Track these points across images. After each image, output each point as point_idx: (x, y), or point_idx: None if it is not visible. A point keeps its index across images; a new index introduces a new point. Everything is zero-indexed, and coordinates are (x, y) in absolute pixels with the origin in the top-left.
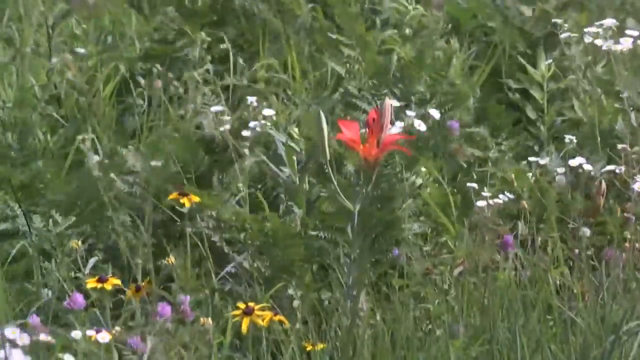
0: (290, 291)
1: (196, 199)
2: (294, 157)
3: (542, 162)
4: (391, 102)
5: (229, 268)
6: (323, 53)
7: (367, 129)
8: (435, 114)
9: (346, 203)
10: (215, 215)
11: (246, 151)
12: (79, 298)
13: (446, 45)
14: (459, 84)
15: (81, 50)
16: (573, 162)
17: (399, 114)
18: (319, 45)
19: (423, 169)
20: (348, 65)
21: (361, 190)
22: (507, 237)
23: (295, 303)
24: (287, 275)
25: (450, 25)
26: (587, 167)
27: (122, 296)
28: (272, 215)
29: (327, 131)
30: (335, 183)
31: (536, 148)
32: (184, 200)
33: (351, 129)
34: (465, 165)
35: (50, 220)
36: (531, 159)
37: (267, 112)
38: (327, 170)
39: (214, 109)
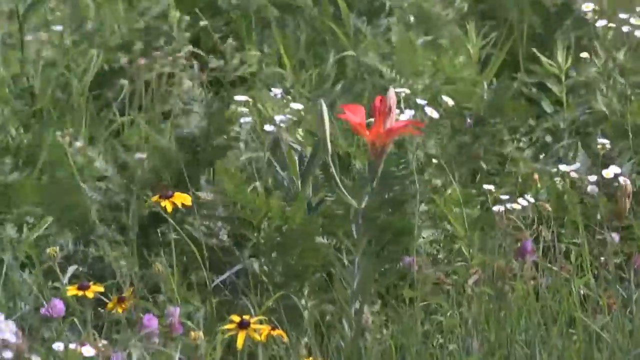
0: (299, 300)
1: (182, 200)
2: (295, 157)
3: (570, 170)
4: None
5: (233, 270)
6: (324, 43)
7: (373, 114)
8: (449, 100)
9: (350, 200)
10: (226, 205)
11: (241, 147)
12: (59, 304)
13: (458, 32)
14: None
15: (58, 27)
16: (607, 172)
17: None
18: (320, 33)
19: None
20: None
21: (367, 185)
22: (526, 243)
23: (300, 314)
24: (297, 282)
25: (464, 7)
26: (622, 178)
27: (101, 309)
28: (295, 207)
29: (329, 124)
30: (338, 180)
31: (555, 145)
32: (165, 203)
33: (357, 113)
34: (484, 166)
35: (25, 227)
36: (562, 167)
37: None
38: (329, 167)
39: (239, 97)
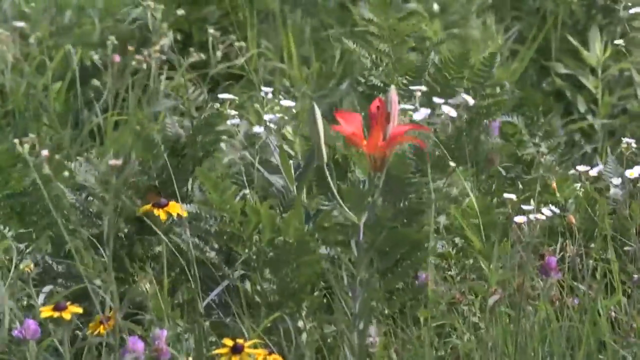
0: (297, 321)
1: (177, 210)
2: (290, 162)
3: (592, 172)
4: (396, 92)
5: (220, 288)
6: (329, 37)
7: (371, 121)
8: (469, 99)
9: (349, 215)
10: (213, 217)
11: (230, 152)
12: (32, 325)
13: (481, 24)
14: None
15: (19, 24)
16: (631, 173)
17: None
18: (325, 26)
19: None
20: (374, 57)
21: (367, 198)
22: (550, 259)
23: (296, 336)
24: (294, 302)
25: None
26: None
27: (79, 332)
28: (289, 218)
29: (323, 128)
30: (335, 190)
31: (588, 148)
32: (159, 212)
33: (352, 122)
34: (503, 173)
35: None
36: (580, 168)
37: (286, 103)
38: (325, 175)
39: (222, 95)
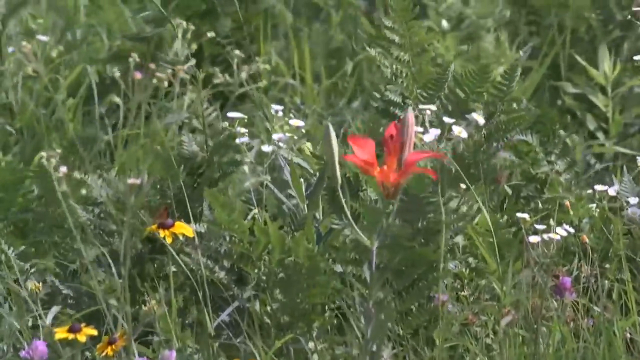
0: (307, 342)
1: (183, 230)
2: (302, 181)
3: (611, 192)
4: (413, 114)
5: (230, 310)
6: (342, 51)
7: (385, 148)
8: (479, 119)
9: (363, 239)
10: (222, 237)
11: (245, 170)
12: (40, 345)
13: (494, 41)
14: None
15: (43, 38)
16: None
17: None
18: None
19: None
20: (394, 67)
21: (380, 221)
22: (564, 280)
23: (307, 358)
24: (305, 323)
25: (507, 13)
26: None
27: (86, 352)
28: (298, 239)
29: (337, 149)
30: (349, 212)
31: (600, 167)
32: (164, 233)
33: (365, 148)
34: (510, 192)
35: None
36: (598, 187)
37: (295, 122)
38: (337, 196)
39: (231, 114)
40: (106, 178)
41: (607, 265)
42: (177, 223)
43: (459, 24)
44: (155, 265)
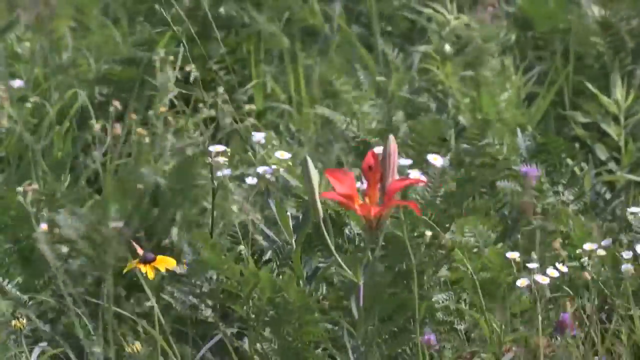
0: None
1: (165, 264)
2: (289, 214)
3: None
4: (394, 143)
5: (211, 344)
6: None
7: (365, 179)
8: (438, 162)
9: (349, 274)
10: (209, 277)
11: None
12: None
13: (498, 66)
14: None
15: (17, 82)
16: None
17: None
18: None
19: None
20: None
21: (364, 257)
22: (564, 316)
23: None
24: None
25: (512, 38)
26: None
27: None
28: (288, 280)
29: (317, 183)
30: (333, 248)
31: (607, 195)
32: (146, 269)
33: (344, 182)
34: (511, 223)
35: None
36: (586, 246)
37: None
38: (322, 232)
39: (213, 147)
40: (78, 213)
41: (617, 301)
42: (159, 257)
43: (462, 48)
44: (132, 301)
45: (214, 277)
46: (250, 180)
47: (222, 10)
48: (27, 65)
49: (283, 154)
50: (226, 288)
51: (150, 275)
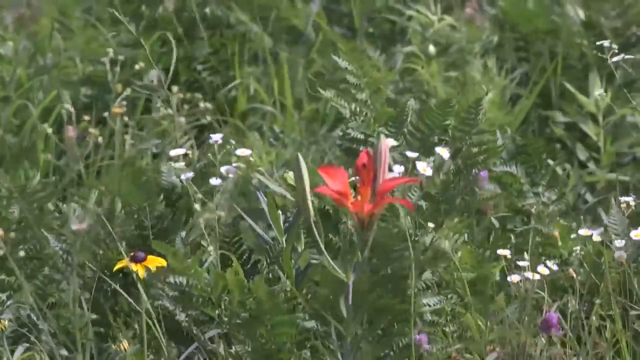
0: None
1: (157, 263)
2: (279, 212)
3: (596, 235)
4: (388, 142)
5: (189, 350)
6: (322, 76)
7: (358, 177)
8: (445, 154)
9: (338, 273)
10: (180, 282)
11: (213, 203)
12: None
13: (481, 67)
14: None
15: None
16: (637, 234)
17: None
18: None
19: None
20: (354, 107)
21: (355, 256)
22: (550, 316)
23: None
24: None
25: (494, 39)
26: None
27: None
28: (257, 282)
29: (308, 181)
30: (323, 247)
31: (588, 197)
32: (136, 267)
33: (337, 178)
34: (497, 225)
35: None
36: (582, 231)
37: (242, 152)
38: (313, 230)
39: (174, 151)
40: (84, 206)
41: (598, 300)
42: (150, 256)
43: (446, 49)
44: (128, 301)
45: (184, 281)
46: (214, 181)
47: (207, 10)
48: (10, 66)
49: (244, 151)
50: (195, 292)
51: (141, 273)
